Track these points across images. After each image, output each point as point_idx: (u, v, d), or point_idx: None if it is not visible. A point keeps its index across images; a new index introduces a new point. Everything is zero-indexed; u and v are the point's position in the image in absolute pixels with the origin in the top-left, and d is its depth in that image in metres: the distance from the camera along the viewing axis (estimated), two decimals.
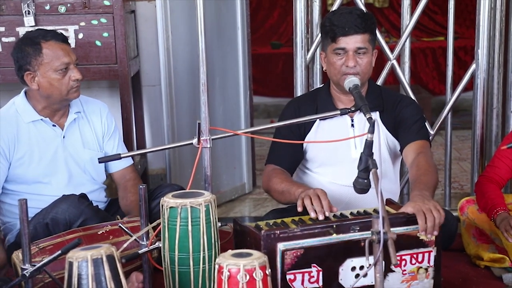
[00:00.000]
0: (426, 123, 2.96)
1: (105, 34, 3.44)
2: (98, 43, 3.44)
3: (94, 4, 3.42)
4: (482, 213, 2.94)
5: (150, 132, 4.07)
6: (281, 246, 2.29)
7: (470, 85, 3.51)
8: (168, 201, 2.31)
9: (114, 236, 2.71)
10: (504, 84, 3.48)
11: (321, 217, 2.44)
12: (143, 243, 2.40)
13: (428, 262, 2.44)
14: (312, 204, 2.47)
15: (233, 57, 4.09)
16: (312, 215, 2.45)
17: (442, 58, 6.58)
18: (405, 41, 3.54)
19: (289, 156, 2.87)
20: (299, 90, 3.52)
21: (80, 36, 3.43)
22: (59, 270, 2.36)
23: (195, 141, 2.51)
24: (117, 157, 2.73)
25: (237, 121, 4.16)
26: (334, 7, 3.40)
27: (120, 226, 2.55)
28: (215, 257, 2.24)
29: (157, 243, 2.40)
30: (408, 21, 3.52)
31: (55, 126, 2.95)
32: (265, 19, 7.90)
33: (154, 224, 2.44)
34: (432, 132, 3.52)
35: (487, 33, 3.38)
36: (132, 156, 3.38)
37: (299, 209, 2.50)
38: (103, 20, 3.42)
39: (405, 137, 2.79)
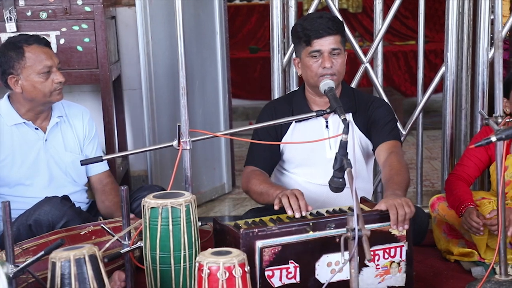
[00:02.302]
0: (397, 124, 3.02)
1: (86, 40, 3.48)
2: (79, 48, 3.48)
3: (75, 10, 3.45)
4: (452, 210, 3.01)
5: (132, 134, 4.10)
6: (259, 244, 2.34)
7: (440, 87, 3.57)
8: (149, 201, 2.33)
9: (96, 236, 2.74)
10: (472, 86, 3.54)
11: (297, 215, 2.48)
12: (125, 242, 2.41)
13: (400, 257, 2.50)
14: (289, 203, 2.54)
15: (212, 61, 4.13)
16: (289, 212, 2.50)
17: (414, 61, 6.65)
18: (378, 45, 3.60)
19: (267, 157, 2.92)
20: (276, 93, 3.57)
21: (62, 41, 3.46)
22: (43, 270, 2.39)
23: (175, 143, 2.54)
24: (99, 159, 2.77)
25: (216, 123, 4.20)
26: (310, 12, 3.48)
27: (102, 226, 2.54)
28: (196, 256, 2.27)
29: (138, 243, 2.41)
30: (381, 26, 3.58)
31: (37, 129, 2.98)
32: (243, 24, 7.96)
33: (136, 224, 2.47)
34: (404, 132, 3.58)
35: (456, 37, 3.44)
36: (114, 158, 3.42)
37: (276, 207, 2.55)
38: (84, 25, 3.46)
39: (377, 138, 2.85)
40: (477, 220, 2.80)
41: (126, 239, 2.43)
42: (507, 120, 2.58)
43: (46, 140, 3.00)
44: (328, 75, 2.76)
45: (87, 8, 3.46)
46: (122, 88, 4.04)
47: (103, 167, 3.12)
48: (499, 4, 2.55)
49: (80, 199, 3.10)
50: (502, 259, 2.62)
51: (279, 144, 2.92)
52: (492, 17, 3.36)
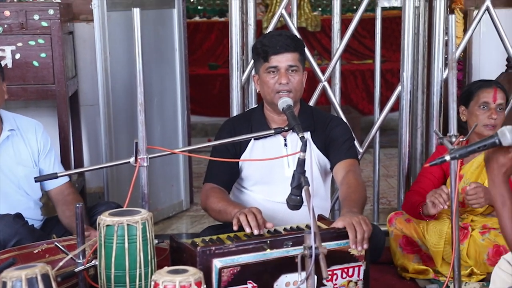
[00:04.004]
0: (355, 142, 3.06)
1: (43, 55, 3.45)
2: (35, 63, 3.45)
3: (32, 25, 3.43)
4: (409, 223, 3.09)
5: (88, 151, 4.08)
6: (216, 262, 2.32)
7: (397, 106, 3.61)
8: (105, 219, 2.30)
9: (50, 254, 2.69)
10: (427, 105, 3.59)
11: (256, 232, 2.49)
12: (79, 261, 2.38)
13: (358, 276, 2.51)
14: (247, 220, 2.54)
15: (171, 77, 4.13)
16: (247, 230, 2.50)
17: (371, 80, 6.77)
18: (336, 63, 3.64)
19: (226, 174, 2.93)
20: (235, 110, 3.58)
21: (17, 56, 3.43)
22: None
23: (132, 159, 2.52)
24: (54, 176, 2.72)
25: (174, 139, 4.19)
26: (268, 31, 3.50)
27: (56, 244, 2.48)
28: (151, 274, 2.24)
29: (93, 261, 2.38)
30: (338, 45, 3.63)
31: None
32: (202, 41, 7.99)
33: (91, 242, 2.44)
34: (361, 150, 3.61)
35: (411, 57, 3.49)
36: (70, 175, 3.38)
37: (235, 227, 2.55)
38: (40, 41, 3.44)
39: (335, 156, 2.88)
40: (447, 190, 2.82)
41: (81, 258, 2.40)
42: (461, 139, 2.63)
43: None
44: (285, 92, 2.78)
45: (44, 23, 3.44)
46: (79, 103, 4.01)
47: (63, 178, 3.08)
48: (453, 26, 2.61)
49: (35, 216, 3.06)
50: (456, 277, 2.66)
51: (238, 161, 2.91)
52: (446, 38, 3.44)
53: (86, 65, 3.98)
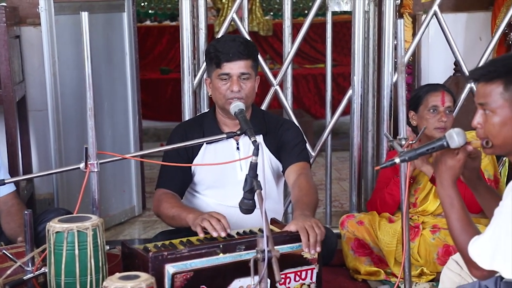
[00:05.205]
0: (307, 145, 3.09)
1: None
2: None
3: None
4: (361, 225, 3.13)
5: (37, 156, 4.01)
6: (169, 267, 2.31)
7: (348, 109, 3.64)
8: (54, 226, 2.27)
9: None
10: (378, 109, 3.64)
11: (223, 234, 2.52)
12: (28, 269, 2.35)
13: (311, 279, 2.52)
14: (212, 226, 2.54)
15: (121, 82, 4.10)
16: (215, 234, 2.52)
17: (323, 84, 6.81)
18: (287, 67, 3.66)
19: (178, 179, 2.91)
20: (187, 115, 3.57)
21: None
22: None
23: (82, 165, 2.49)
24: (1, 183, 2.67)
25: (126, 144, 4.16)
26: (220, 35, 3.50)
27: (4, 252, 2.47)
28: (103, 281, 2.22)
29: (43, 269, 2.35)
30: (290, 49, 3.65)
31: None
32: (154, 45, 7.94)
33: (40, 249, 2.40)
34: (313, 154, 3.64)
35: (362, 61, 3.53)
36: (18, 181, 3.31)
37: (201, 235, 2.55)
38: None
39: (286, 159, 2.90)
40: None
41: (30, 265, 2.37)
42: (411, 142, 2.67)
43: None
44: (236, 99, 2.78)
45: None
46: (27, 109, 3.93)
47: (9, 188, 3.03)
48: (402, 30, 2.65)
49: None
50: (407, 278, 2.70)
51: (190, 166, 2.90)
52: (395, 42, 3.50)
53: (34, 70, 3.90)
